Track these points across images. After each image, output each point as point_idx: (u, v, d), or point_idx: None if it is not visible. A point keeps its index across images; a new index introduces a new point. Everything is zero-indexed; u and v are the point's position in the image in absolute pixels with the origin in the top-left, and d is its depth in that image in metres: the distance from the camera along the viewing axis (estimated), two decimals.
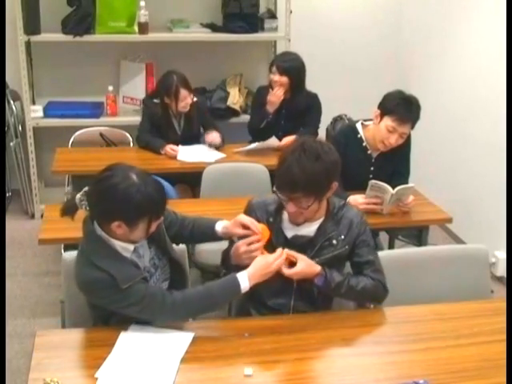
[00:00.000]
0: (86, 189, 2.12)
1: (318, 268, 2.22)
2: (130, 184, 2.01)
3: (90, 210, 2.10)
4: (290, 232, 2.31)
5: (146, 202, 2.02)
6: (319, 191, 2.19)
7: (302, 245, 2.29)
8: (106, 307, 2.11)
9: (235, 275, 2.10)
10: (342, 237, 2.30)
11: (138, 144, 4.19)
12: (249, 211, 2.36)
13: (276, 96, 4.08)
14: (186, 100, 4.03)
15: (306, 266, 2.20)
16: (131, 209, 2.01)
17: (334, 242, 2.30)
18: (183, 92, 4.00)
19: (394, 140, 3.18)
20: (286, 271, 2.17)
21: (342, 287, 2.25)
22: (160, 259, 2.26)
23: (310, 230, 2.30)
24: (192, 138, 4.19)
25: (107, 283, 2.02)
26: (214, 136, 4.11)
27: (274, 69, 4.11)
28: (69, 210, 2.15)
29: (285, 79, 4.07)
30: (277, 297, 2.33)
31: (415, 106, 3.15)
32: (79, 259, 2.14)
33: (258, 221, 2.28)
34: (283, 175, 2.18)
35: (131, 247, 2.12)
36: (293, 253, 2.20)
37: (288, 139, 3.94)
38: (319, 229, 2.30)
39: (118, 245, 2.10)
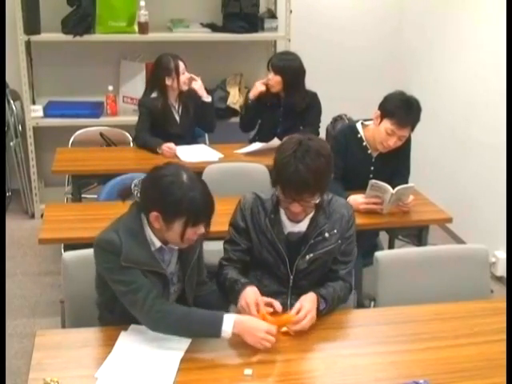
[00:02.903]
0: (143, 177, 2.18)
1: (314, 299, 2.19)
2: (178, 180, 2.05)
3: (140, 196, 2.14)
4: (285, 229, 2.32)
5: (187, 202, 2.02)
6: (325, 187, 2.20)
7: (296, 241, 2.30)
8: (104, 274, 2.12)
9: (222, 315, 2.03)
10: (335, 231, 2.31)
11: (136, 143, 4.19)
12: (242, 209, 2.35)
13: (259, 82, 4.14)
14: (185, 75, 4.10)
15: (310, 309, 2.15)
16: (170, 203, 2.02)
17: (327, 235, 2.29)
18: (182, 65, 4.08)
19: (392, 142, 3.18)
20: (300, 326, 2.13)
21: (331, 305, 2.26)
22: (179, 281, 2.25)
23: (302, 224, 2.31)
24: (191, 126, 4.24)
25: (114, 250, 2.05)
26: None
27: (270, 67, 4.14)
28: (123, 193, 2.20)
29: (278, 78, 4.08)
30: (274, 297, 2.33)
31: (415, 108, 3.13)
32: (110, 225, 2.16)
33: (246, 223, 2.32)
34: (291, 179, 2.13)
35: (158, 243, 2.13)
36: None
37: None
38: (311, 222, 2.30)
39: (149, 235, 2.12)
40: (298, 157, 2.12)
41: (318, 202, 2.22)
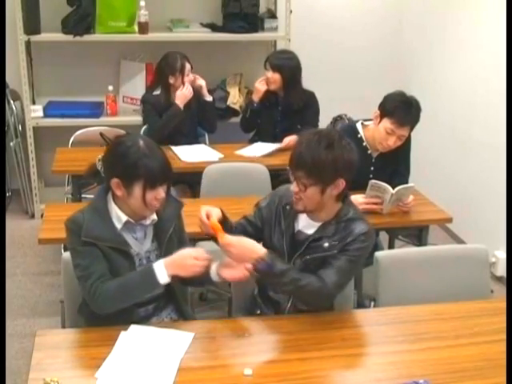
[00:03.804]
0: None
1: (261, 251, 2.14)
2: (134, 145, 2.13)
3: (103, 168, 2.24)
4: (297, 226, 2.33)
5: (143, 164, 2.10)
6: (321, 177, 2.17)
7: (300, 241, 2.30)
8: (69, 251, 2.19)
9: (152, 267, 2.09)
10: (336, 242, 2.25)
11: (159, 138, 4.14)
12: (273, 194, 2.42)
13: (260, 83, 4.16)
14: (189, 76, 4.13)
15: (246, 242, 2.15)
16: (127, 166, 2.11)
17: (326, 244, 2.26)
18: (188, 66, 4.11)
19: (392, 142, 3.18)
20: (222, 240, 2.13)
21: (285, 276, 2.15)
22: (158, 259, 2.24)
23: (312, 228, 2.30)
24: (193, 125, 4.26)
25: (77, 228, 2.13)
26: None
27: (267, 65, 4.15)
28: (89, 170, 2.35)
29: (277, 76, 4.10)
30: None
31: (415, 108, 3.13)
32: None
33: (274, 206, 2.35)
34: (293, 152, 2.22)
35: (124, 218, 2.18)
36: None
37: (289, 139, 3.96)
38: (319, 229, 2.29)
39: (115, 211, 2.19)
40: (309, 137, 2.20)
41: (311, 192, 2.18)
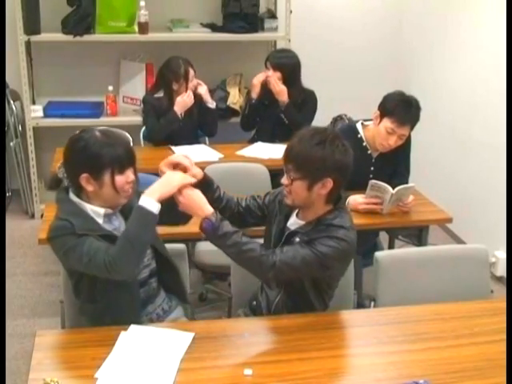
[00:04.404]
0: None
1: (208, 210, 2.13)
2: (92, 136, 2.16)
3: (64, 172, 2.23)
4: (288, 223, 2.34)
5: (107, 153, 2.12)
6: (309, 172, 2.17)
7: (285, 236, 2.30)
8: (67, 260, 2.16)
9: (139, 204, 2.07)
10: (306, 239, 2.22)
11: (155, 138, 4.15)
12: (280, 189, 2.41)
13: (257, 79, 4.17)
14: (193, 82, 4.12)
15: (197, 197, 2.15)
16: (92, 158, 2.12)
17: (297, 239, 2.25)
18: (191, 72, 4.10)
19: (393, 142, 3.18)
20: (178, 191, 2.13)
21: (228, 239, 2.11)
22: None
23: (295, 225, 2.31)
24: (193, 129, 4.26)
25: (66, 230, 2.11)
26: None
27: (268, 64, 4.15)
28: (52, 181, 2.31)
29: (278, 75, 4.10)
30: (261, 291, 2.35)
31: (415, 107, 3.14)
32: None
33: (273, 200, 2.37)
34: (287, 145, 2.24)
35: (101, 211, 2.19)
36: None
37: None
38: (300, 226, 2.29)
39: (90, 208, 2.18)
40: (304, 132, 2.21)
41: (298, 186, 2.18)
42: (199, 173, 2.30)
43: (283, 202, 2.31)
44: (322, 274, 2.25)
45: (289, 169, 2.21)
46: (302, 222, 2.30)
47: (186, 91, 4.10)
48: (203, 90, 4.22)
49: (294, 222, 2.33)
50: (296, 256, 2.15)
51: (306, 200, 2.23)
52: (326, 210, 2.26)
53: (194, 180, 2.18)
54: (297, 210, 2.34)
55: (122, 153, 2.15)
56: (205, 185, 2.30)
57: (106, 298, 2.20)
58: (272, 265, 2.12)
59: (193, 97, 4.12)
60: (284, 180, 2.24)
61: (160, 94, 4.20)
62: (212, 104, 4.27)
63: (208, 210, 2.14)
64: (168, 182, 2.11)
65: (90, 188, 2.15)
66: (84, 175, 2.13)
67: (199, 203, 2.16)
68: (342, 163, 2.19)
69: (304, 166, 2.17)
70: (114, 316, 2.19)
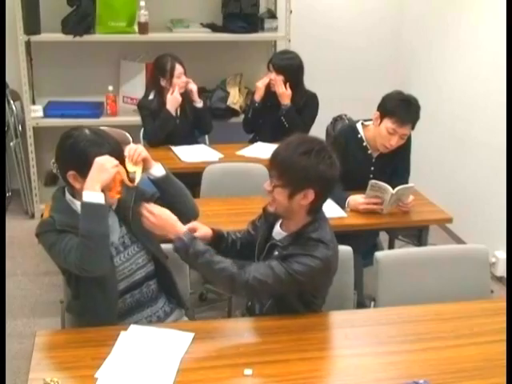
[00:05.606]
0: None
1: (181, 229, 2.15)
2: (81, 135, 2.17)
3: (57, 167, 2.24)
4: (272, 233, 2.32)
5: (92, 151, 2.11)
6: (290, 180, 2.13)
7: (267, 248, 2.29)
8: (55, 255, 2.16)
9: (82, 200, 2.07)
10: (285, 253, 2.18)
11: (155, 141, 4.13)
12: None
13: (262, 82, 4.16)
14: (182, 78, 4.08)
15: (169, 217, 2.16)
16: (79, 156, 2.13)
17: (276, 253, 2.22)
18: (178, 68, 4.06)
19: (394, 142, 3.18)
20: (149, 212, 2.15)
21: (199, 258, 2.10)
22: (133, 242, 2.29)
23: (278, 235, 2.29)
24: (190, 128, 4.24)
25: (49, 226, 2.15)
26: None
27: (270, 67, 4.14)
28: (47, 176, 2.35)
29: (281, 77, 4.09)
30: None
31: (414, 106, 3.15)
32: None
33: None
34: (276, 149, 2.21)
35: None
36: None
37: None
38: (281, 238, 2.26)
39: (79, 208, 2.16)
40: (292, 139, 2.18)
41: (279, 192, 2.15)
42: (208, 232, 2.30)
43: (267, 209, 2.30)
44: (298, 290, 2.21)
45: (272, 174, 2.18)
46: (284, 233, 2.26)
47: (171, 87, 4.06)
48: (194, 87, 4.17)
49: (277, 232, 2.29)
50: (269, 274, 2.11)
51: (287, 209, 2.19)
52: (307, 221, 2.21)
53: (117, 162, 2.13)
54: (281, 221, 2.30)
55: (108, 152, 2.13)
56: (217, 239, 2.31)
57: (88, 295, 2.21)
58: (244, 283, 2.10)
59: (178, 94, 4.07)
60: (266, 185, 2.20)
61: (152, 96, 4.18)
62: (200, 103, 4.22)
63: (181, 228, 2.16)
64: (102, 169, 2.08)
65: (77, 185, 2.15)
66: (71, 172, 2.14)
67: (171, 223, 2.16)
68: (326, 175, 2.14)
69: (286, 174, 2.14)
70: (91, 313, 2.20)
